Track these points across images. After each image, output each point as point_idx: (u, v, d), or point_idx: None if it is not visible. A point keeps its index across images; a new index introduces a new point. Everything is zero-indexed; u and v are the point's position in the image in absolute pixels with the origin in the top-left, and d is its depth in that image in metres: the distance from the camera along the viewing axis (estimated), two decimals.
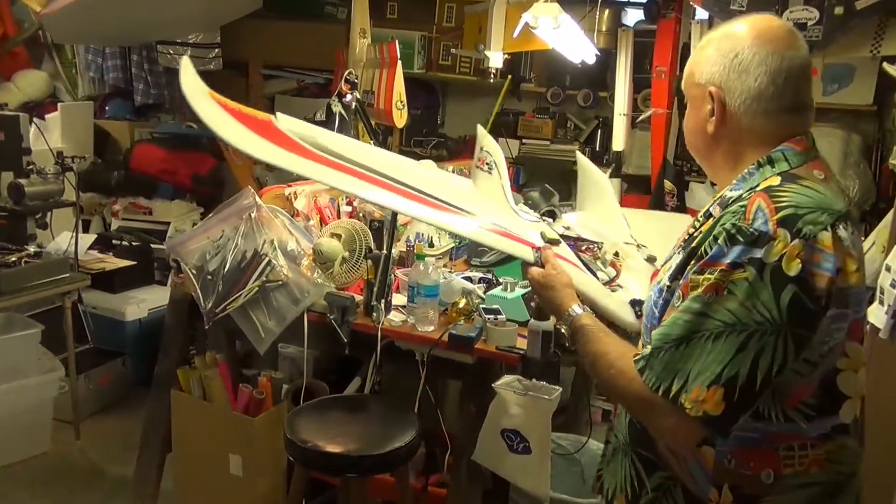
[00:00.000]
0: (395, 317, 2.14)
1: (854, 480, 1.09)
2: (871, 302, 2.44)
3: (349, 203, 2.63)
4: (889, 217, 2.96)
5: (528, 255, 1.50)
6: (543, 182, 4.50)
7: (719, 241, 1.01)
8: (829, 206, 1.01)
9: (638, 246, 1.96)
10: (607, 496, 1.24)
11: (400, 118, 3.10)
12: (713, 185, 3.86)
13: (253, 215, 2.14)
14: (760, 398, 1.00)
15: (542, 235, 1.61)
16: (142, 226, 4.06)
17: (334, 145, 1.61)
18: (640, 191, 3.88)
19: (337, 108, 2.28)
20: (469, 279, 2.46)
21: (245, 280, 2.07)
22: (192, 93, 1.56)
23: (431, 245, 2.77)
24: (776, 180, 1.05)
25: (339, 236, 2.17)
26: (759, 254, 0.98)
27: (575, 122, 4.23)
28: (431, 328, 2.05)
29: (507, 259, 2.90)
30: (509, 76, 4.09)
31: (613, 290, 1.70)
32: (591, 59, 3.54)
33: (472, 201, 1.70)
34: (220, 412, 2.19)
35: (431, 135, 4.48)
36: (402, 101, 3.08)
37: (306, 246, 2.19)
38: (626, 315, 1.49)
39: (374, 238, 2.61)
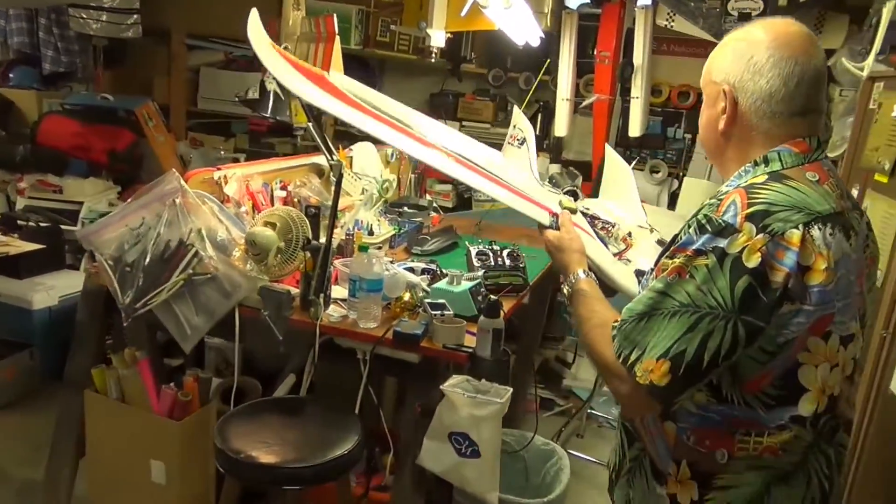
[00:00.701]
0: (335, 311, 2.01)
1: (806, 468, 1.11)
2: None
3: (283, 187, 2.46)
4: None
5: (545, 218, 1.62)
6: None
7: (690, 230, 1.08)
8: (808, 206, 1.04)
9: (651, 230, 1.90)
10: (609, 466, 1.32)
11: None
12: (653, 173, 3.87)
13: (177, 201, 1.95)
14: (706, 377, 1.06)
15: (561, 203, 1.69)
16: (51, 205, 3.73)
17: (382, 104, 1.80)
18: (581, 178, 3.84)
19: (272, 85, 2.11)
20: (412, 270, 2.34)
21: (169, 273, 1.88)
22: (256, 42, 1.74)
23: (371, 233, 2.64)
24: (762, 178, 1.09)
25: (273, 225, 2.01)
26: (722, 243, 1.03)
27: (516, 105, 4.14)
28: (374, 325, 1.93)
29: (449, 248, 2.81)
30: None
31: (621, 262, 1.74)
32: (535, 42, 3.45)
33: (500, 168, 1.87)
34: (140, 415, 2.01)
35: None
36: None
37: (237, 235, 2.02)
38: (631, 284, 1.57)
39: (311, 226, 2.46)
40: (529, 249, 2.94)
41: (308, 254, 1.95)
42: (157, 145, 4.12)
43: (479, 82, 4.15)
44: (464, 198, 4.14)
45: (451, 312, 1.90)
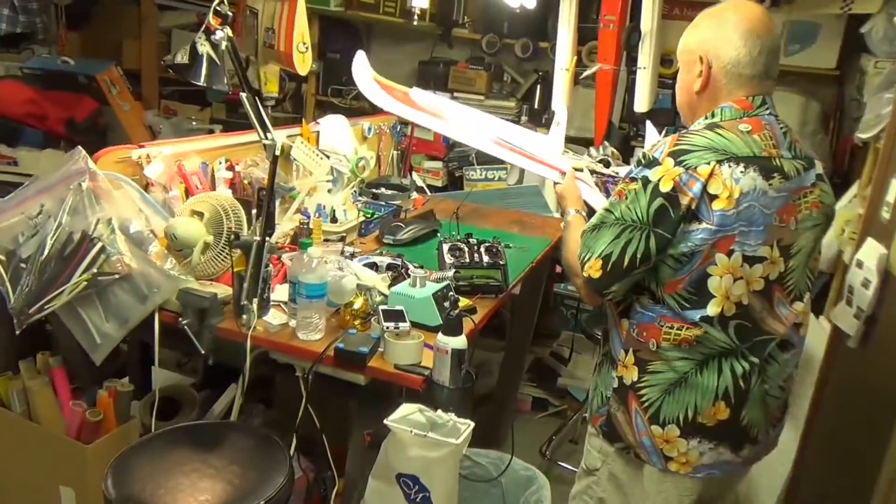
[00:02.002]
0: (275, 318, 1.70)
1: (720, 366, 1.37)
2: (837, 300, 2.14)
3: (230, 167, 2.14)
4: (848, 198, 2.67)
5: (555, 176, 1.89)
6: None
7: (633, 164, 1.39)
8: (725, 148, 1.30)
9: None
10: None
11: (302, 63, 2.60)
12: None
13: (84, 185, 1.63)
14: (627, 275, 1.35)
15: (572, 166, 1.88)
16: (5, 178, 3.42)
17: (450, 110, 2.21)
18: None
19: (204, 47, 1.77)
20: (374, 266, 2.02)
21: (69, 271, 1.57)
22: (360, 78, 2.33)
23: (335, 220, 2.31)
24: (700, 127, 1.36)
25: (200, 215, 1.69)
26: (647, 172, 1.32)
27: (512, 74, 3.78)
28: (317, 336, 1.62)
29: (426, 236, 2.48)
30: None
31: None
32: (531, 3, 3.09)
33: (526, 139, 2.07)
34: (47, 436, 1.72)
35: (352, 83, 3.93)
36: (304, 43, 2.57)
37: (160, 226, 1.70)
38: None
39: (262, 210, 2.14)
40: (520, 239, 2.61)
41: (238, 251, 1.63)
42: (122, 114, 3.79)
43: (472, 49, 3.78)
44: (454, 176, 3.80)
45: (408, 325, 1.59)
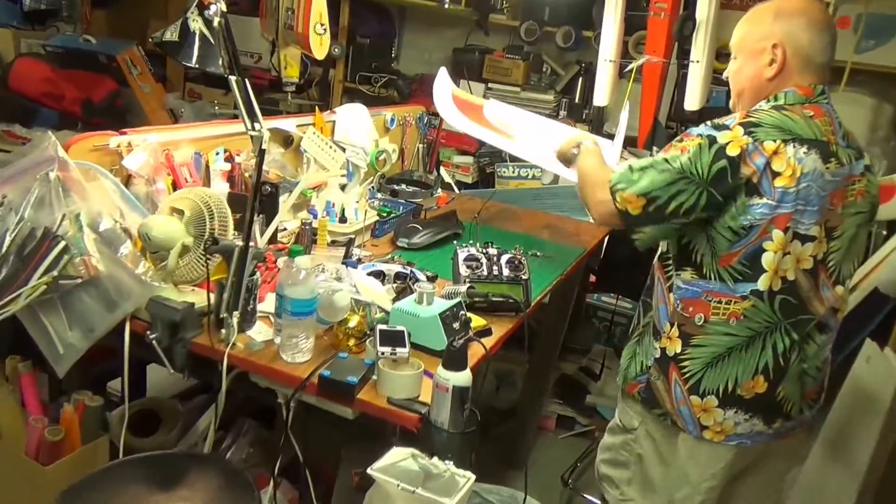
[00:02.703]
0: (261, 333, 1.50)
1: (763, 341, 1.42)
2: None
3: (228, 159, 1.94)
4: None
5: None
6: None
7: (699, 127, 1.42)
8: (791, 129, 1.36)
9: None
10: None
11: (320, 46, 2.38)
12: None
13: (52, 175, 1.45)
14: (667, 222, 1.40)
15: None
16: None
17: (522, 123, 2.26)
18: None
19: (196, 23, 1.57)
20: (380, 275, 1.80)
21: (28, 272, 1.39)
22: (440, 95, 2.39)
23: (344, 220, 2.10)
24: (766, 107, 1.43)
25: (180, 213, 1.50)
26: (716, 133, 1.37)
27: (552, 65, 3.51)
28: (303, 358, 1.41)
29: (445, 240, 2.26)
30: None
31: None
32: None
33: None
34: (4, 452, 1.55)
35: (382, 70, 3.74)
36: (322, 24, 2.36)
37: (137, 224, 1.51)
38: None
39: (266, 209, 1.94)
40: (549, 246, 2.37)
41: (219, 257, 1.43)
42: (142, 96, 3.65)
43: (510, 37, 3.53)
44: (485, 172, 3.56)
45: (406, 351, 1.36)
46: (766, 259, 1.37)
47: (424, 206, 2.60)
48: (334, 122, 2.41)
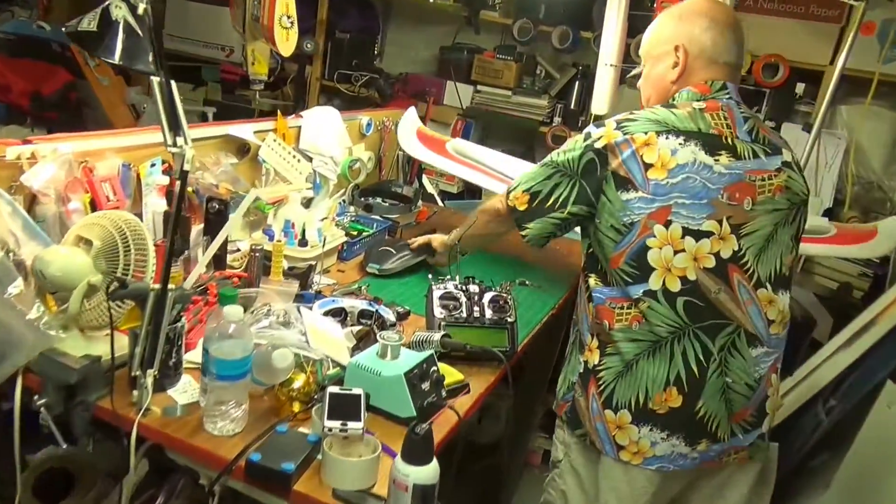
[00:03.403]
0: (185, 393, 1.22)
1: (672, 349, 1.35)
2: None
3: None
4: None
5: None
6: (502, 143, 3.56)
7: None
8: (669, 122, 1.34)
9: None
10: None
11: (285, 41, 2.10)
12: None
13: None
14: (547, 215, 1.43)
15: None
16: None
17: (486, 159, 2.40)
18: None
19: (120, 11, 1.29)
20: (341, 313, 1.53)
21: None
22: (405, 131, 2.51)
23: (303, 243, 1.81)
24: (657, 107, 1.41)
25: (89, 243, 1.21)
26: (592, 129, 1.39)
27: (546, 68, 3.24)
28: (232, 430, 1.14)
29: (421, 265, 1.99)
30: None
31: None
32: None
33: None
34: None
35: (363, 69, 3.45)
36: (288, 17, 2.08)
37: (32, 256, 1.23)
38: None
39: (214, 230, 1.66)
40: (540, 273, 2.11)
41: (134, 301, 1.15)
42: (99, 90, 3.34)
43: (502, 36, 3.25)
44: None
45: (360, 427, 1.09)
46: (653, 257, 1.33)
47: (401, 223, 2.33)
48: (300, 127, 2.13)
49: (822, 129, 2.52)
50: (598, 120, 1.43)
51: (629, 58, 2.91)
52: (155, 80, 1.17)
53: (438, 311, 1.49)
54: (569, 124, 3.12)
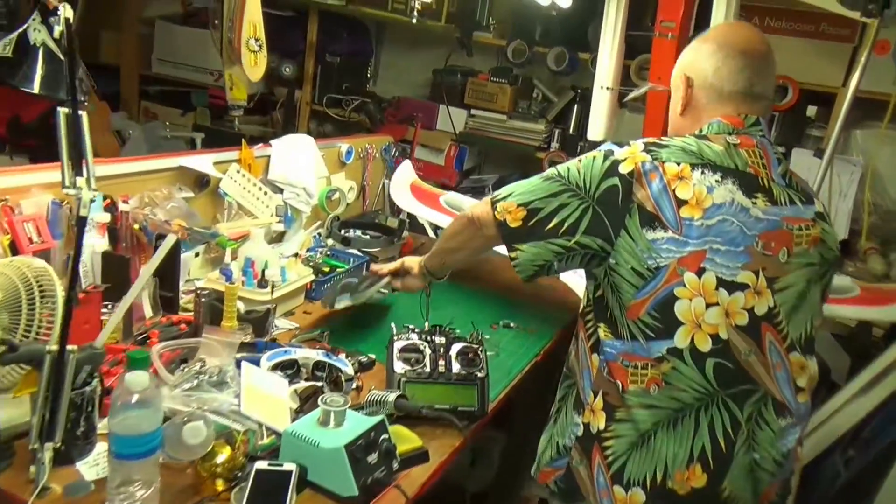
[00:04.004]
0: (96, 465, 1.07)
1: (697, 418, 1.16)
2: None
3: (109, 206, 1.52)
4: None
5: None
6: (498, 169, 3.42)
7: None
8: (703, 155, 1.17)
9: None
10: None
11: (253, 65, 1.97)
12: None
13: None
14: (546, 239, 1.19)
15: None
16: None
17: None
18: None
19: (39, 34, 1.16)
20: (293, 366, 1.37)
21: None
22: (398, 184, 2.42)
23: (263, 283, 1.66)
24: (688, 137, 1.23)
25: None
26: (614, 149, 1.20)
27: (543, 91, 3.10)
28: None
29: (384, 312, 1.82)
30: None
31: None
32: (565, 3, 2.42)
33: None
34: None
35: (354, 93, 3.33)
36: (256, 39, 1.95)
37: None
38: None
39: (164, 277, 1.53)
40: (528, 312, 1.95)
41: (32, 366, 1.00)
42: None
43: (497, 58, 3.12)
44: None
45: None
46: (681, 309, 1.14)
47: (380, 258, 2.17)
48: (269, 156, 1.99)
49: (836, 155, 2.35)
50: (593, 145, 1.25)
51: (629, 80, 2.77)
52: (61, 110, 1.04)
53: (398, 366, 1.33)
54: (567, 150, 2.96)
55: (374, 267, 1.69)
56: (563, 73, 2.96)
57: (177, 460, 1.04)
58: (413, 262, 1.60)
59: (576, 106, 3.00)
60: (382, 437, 1.13)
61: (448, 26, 3.05)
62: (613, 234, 1.15)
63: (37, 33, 1.17)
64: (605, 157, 1.18)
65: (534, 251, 1.21)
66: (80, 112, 1.03)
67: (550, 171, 1.23)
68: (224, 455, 1.05)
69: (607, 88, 2.50)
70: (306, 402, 1.25)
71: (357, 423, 1.13)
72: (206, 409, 1.09)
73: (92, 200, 0.98)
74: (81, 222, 0.97)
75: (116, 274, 1.42)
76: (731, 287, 1.15)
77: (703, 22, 2.37)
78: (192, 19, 3.55)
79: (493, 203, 1.25)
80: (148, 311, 1.55)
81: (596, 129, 2.57)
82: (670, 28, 2.35)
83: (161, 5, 3.60)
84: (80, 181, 0.98)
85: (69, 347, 0.98)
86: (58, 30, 1.12)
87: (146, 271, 1.20)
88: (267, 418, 1.14)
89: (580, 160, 1.21)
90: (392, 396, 1.24)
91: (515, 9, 2.96)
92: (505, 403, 1.68)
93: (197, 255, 1.78)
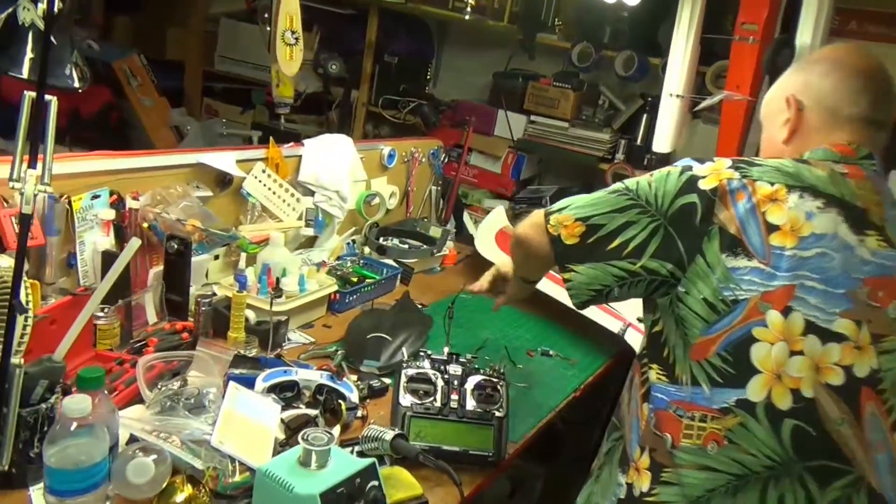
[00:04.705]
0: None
1: (762, 488, 0.96)
2: None
3: (116, 202, 1.43)
4: None
5: None
6: (557, 180, 3.21)
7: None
8: (802, 177, 1.00)
9: None
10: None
11: (288, 59, 1.86)
12: None
13: None
14: (606, 260, 1.03)
15: None
16: None
17: None
18: None
19: (29, 14, 1.07)
20: (293, 388, 1.24)
21: None
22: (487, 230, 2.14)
23: (277, 292, 1.54)
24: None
25: None
26: (694, 164, 1.03)
27: (610, 98, 2.89)
28: None
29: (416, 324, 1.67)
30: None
31: None
32: (633, 0, 2.22)
33: None
34: None
35: (412, 94, 3.20)
36: (292, 31, 1.84)
37: None
38: None
39: (172, 280, 1.43)
40: (570, 342, 1.76)
41: None
42: (141, 111, 3.25)
43: (560, 61, 2.93)
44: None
45: None
46: (758, 353, 0.96)
47: (417, 270, 2.03)
48: (300, 157, 1.87)
49: None
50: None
51: (704, 89, 2.53)
52: (27, 94, 0.93)
53: (405, 398, 1.17)
54: (633, 162, 2.74)
55: (469, 287, 1.51)
56: (631, 79, 2.75)
57: (126, 493, 0.92)
58: (508, 266, 1.44)
59: (645, 115, 2.77)
60: (370, 483, 0.98)
61: (510, 27, 2.88)
62: (687, 259, 0.99)
63: (26, 12, 1.08)
64: (683, 172, 1.02)
65: (591, 273, 1.05)
66: (47, 98, 0.91)
67: (617, 184, 1.07)
68: (184, 494, 0.92)
69: (676, 96, 2.28)
70: (295, 433, 1.11)
71: (343, 466, 0.97)
72: (172, 437, 0.96)
73: (47, 195, 0.86)
74: (24, 220, 0.86)
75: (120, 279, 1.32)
76: (825, 336, 0.95)
77: (790, 23, 2.13)
78: (255, 15, 3.51)
79: (547, 215, 1.10)
80: (152, 316, 1.45)
81: (663, 140, 2.35)
82: (752, 31, 2.12)
83: (227, 2, 3.58)
84: (33, 174, 0.86)
85: (14, 361, 0.86)
86: (41, 7, 1.02)
87: (107, 281, 1.09)
88: (242, 451, 1.00)
89: (652, 174, 1.05)
90: (389, 435, 1.08)
91: (582, 8, 2.77)
92: (544, 437, 1.50)
93: (217, 257, 1.68)
